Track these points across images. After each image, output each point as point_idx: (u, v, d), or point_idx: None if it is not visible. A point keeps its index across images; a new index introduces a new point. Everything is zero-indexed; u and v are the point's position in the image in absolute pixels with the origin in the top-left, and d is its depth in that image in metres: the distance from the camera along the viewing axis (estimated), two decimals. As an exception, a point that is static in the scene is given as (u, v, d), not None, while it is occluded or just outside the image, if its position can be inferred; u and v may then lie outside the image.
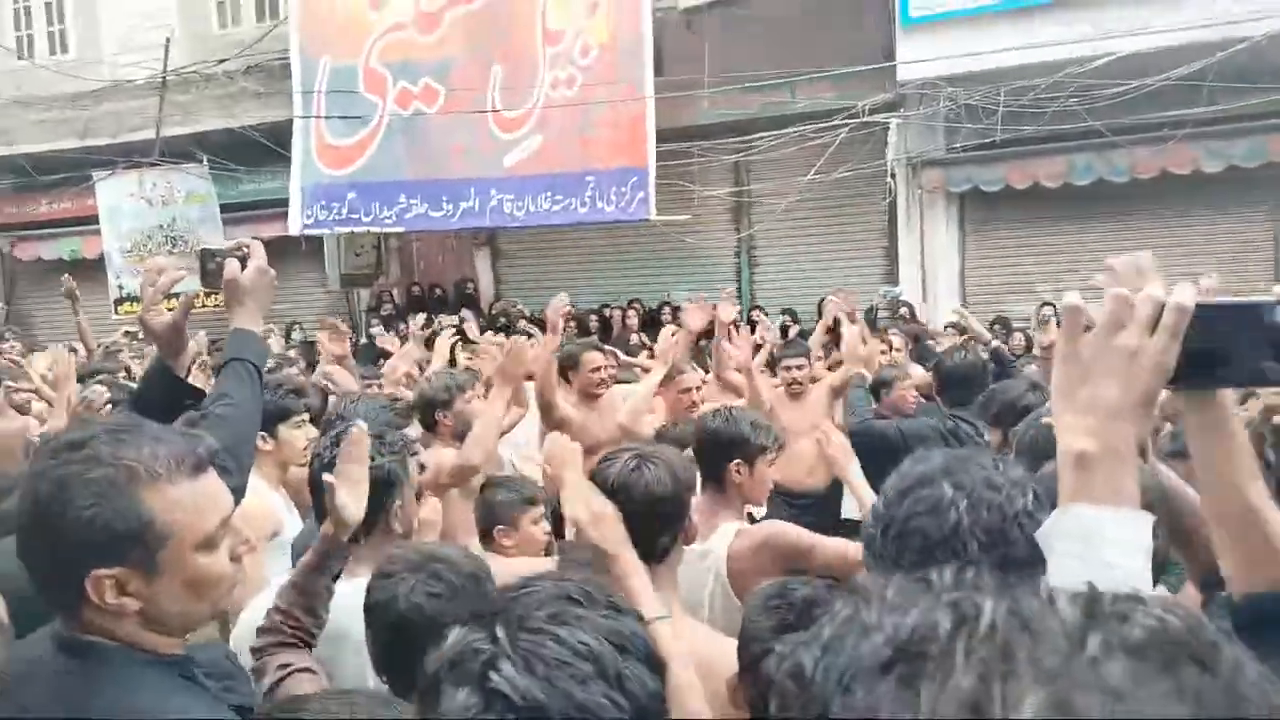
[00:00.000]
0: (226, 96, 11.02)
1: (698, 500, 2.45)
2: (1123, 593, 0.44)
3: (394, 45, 9.67)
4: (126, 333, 7.73)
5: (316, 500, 2.00)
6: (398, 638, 1.58)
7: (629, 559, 1.52)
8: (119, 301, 11.08)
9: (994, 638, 0.41)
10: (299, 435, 3.00)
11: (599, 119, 8.89)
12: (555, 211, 9.14)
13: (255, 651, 1.65)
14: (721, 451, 2.44)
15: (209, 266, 1.87)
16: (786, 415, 4.46)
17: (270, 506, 2.86)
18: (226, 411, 1.69)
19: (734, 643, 1.59)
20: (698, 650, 1.54)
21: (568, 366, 4.10)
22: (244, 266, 1.81)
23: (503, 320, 9.68)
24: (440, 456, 3.09)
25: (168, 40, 11.04)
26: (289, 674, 1.58)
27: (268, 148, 10.18)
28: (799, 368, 4.83)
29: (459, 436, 3.33)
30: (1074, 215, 9.05)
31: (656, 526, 1.70)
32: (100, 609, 1.15)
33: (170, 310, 1.85)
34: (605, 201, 8.90)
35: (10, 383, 4.37)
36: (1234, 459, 0.96)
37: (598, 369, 4.08)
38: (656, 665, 0.88)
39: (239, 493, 1.51)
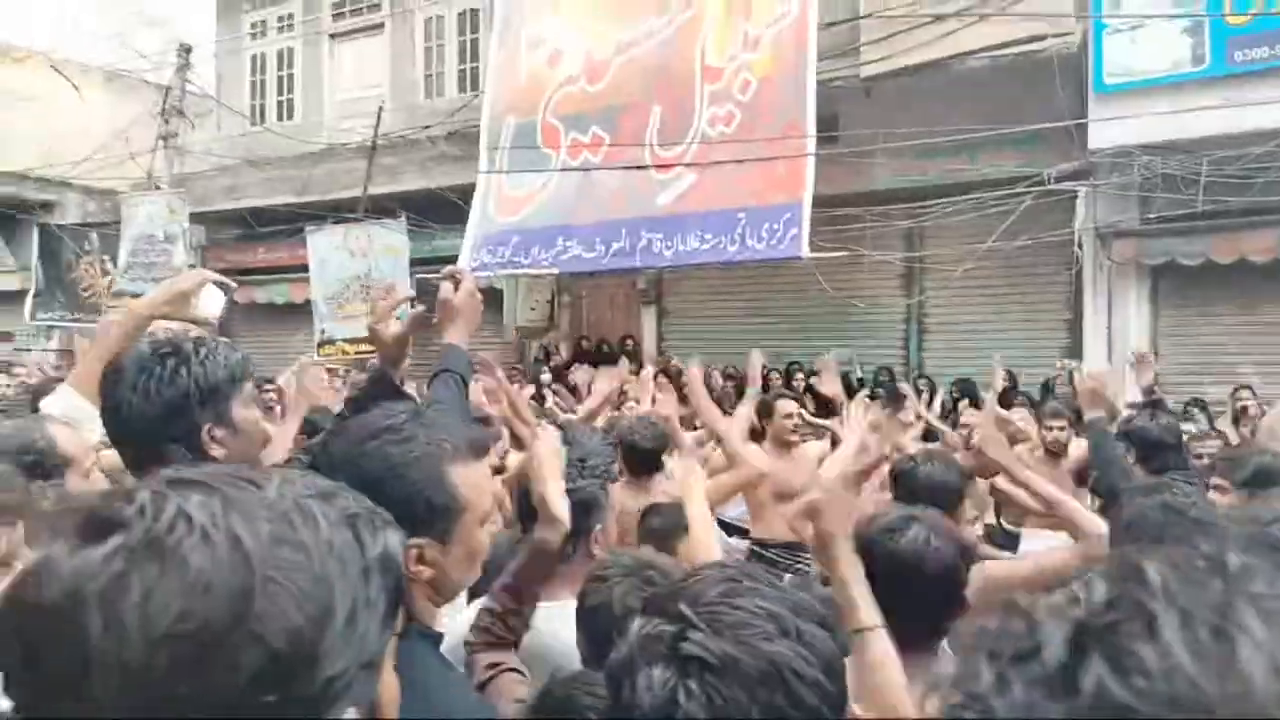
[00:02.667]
0: (428, 160, 11.95)
1: None
2: None
3: (568, 99, 9.97)
4: (327, 370, 8.41)
5: (520, 513, 2.13)
6: (610, 639, 1.64)
7: (850, 557, 1.43)
8: (320, 344, 12.07)
9: None
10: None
11: (755, 156, 8.59)
12: (704, 250, 8.84)
13: (467, 645, 1.73)
14: (945, 501, 2.43)
15: (426, 291, 2.09)
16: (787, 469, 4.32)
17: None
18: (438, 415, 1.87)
19: None
20: None
21: (762, 415, 4.17)
22: (456, 290, 2.02)
23: (663, 378, 9.82)
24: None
25: (380, 109, 12.13)
26: (499, 672, 1.63)
27: (460, 207, 10.93)
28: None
29: None
30: (1284, 294, 8.35)
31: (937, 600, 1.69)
32: None
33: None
34: (755, 239, 8.49)
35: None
36: None
37: (789, 416, 4.14)
38: (831, 627, 0.91)
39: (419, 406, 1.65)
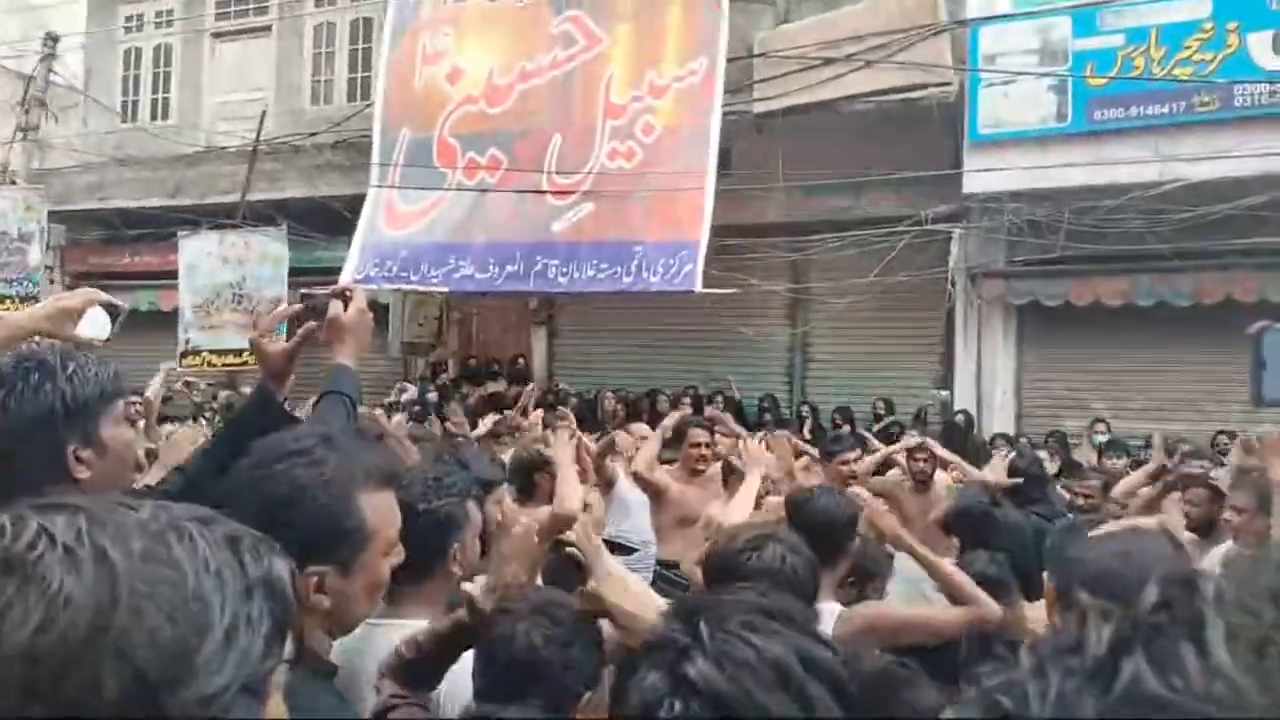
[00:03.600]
0: (312, 168, 11.59)
1: None
2: None
3: (467, 118, 9.87)
4: (186, 383, 8.02)
5: None
6: (509, 672, 1.61)
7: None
8: (183, 354, 11.46)
9: None
10: None
11: (655, 195, 8.78)
12: (600, 279, 8.95)
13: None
14: (839, 533, 2.53)
15: (307, 307, 1.98)
16: (693, 494, 4.44)
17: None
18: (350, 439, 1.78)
19: None
20: None
21: (673, 441, 4.23)
22: (346, 308, 1.92)
23: (550, 399, 9.79)
24: (537, 514, 3.16)
25: (263, 112, 11.70)
26: (403, 705, 1.57)
27: (346, 218, 10.62)
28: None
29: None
30: (1134, 336, 9.00)
31: None
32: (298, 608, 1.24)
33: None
34: (651, 272, 8.69)
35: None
36: None
37: (697, 444, 4.21)
38: (843, 694, 0.90)
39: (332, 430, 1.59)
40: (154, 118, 13.26)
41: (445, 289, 9.94)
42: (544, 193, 9.30)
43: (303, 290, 2.09)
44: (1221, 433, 7.27)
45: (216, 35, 13.14)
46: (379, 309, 10.57)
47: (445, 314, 11.95)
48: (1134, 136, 8.14)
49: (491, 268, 9.38)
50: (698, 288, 8.46)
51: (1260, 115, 7.76)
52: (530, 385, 8.17)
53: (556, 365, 12.07)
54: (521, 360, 11.81)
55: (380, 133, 10.23)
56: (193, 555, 0.64)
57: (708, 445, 4.32)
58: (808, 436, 8.16)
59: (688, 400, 9.89)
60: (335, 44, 12.34)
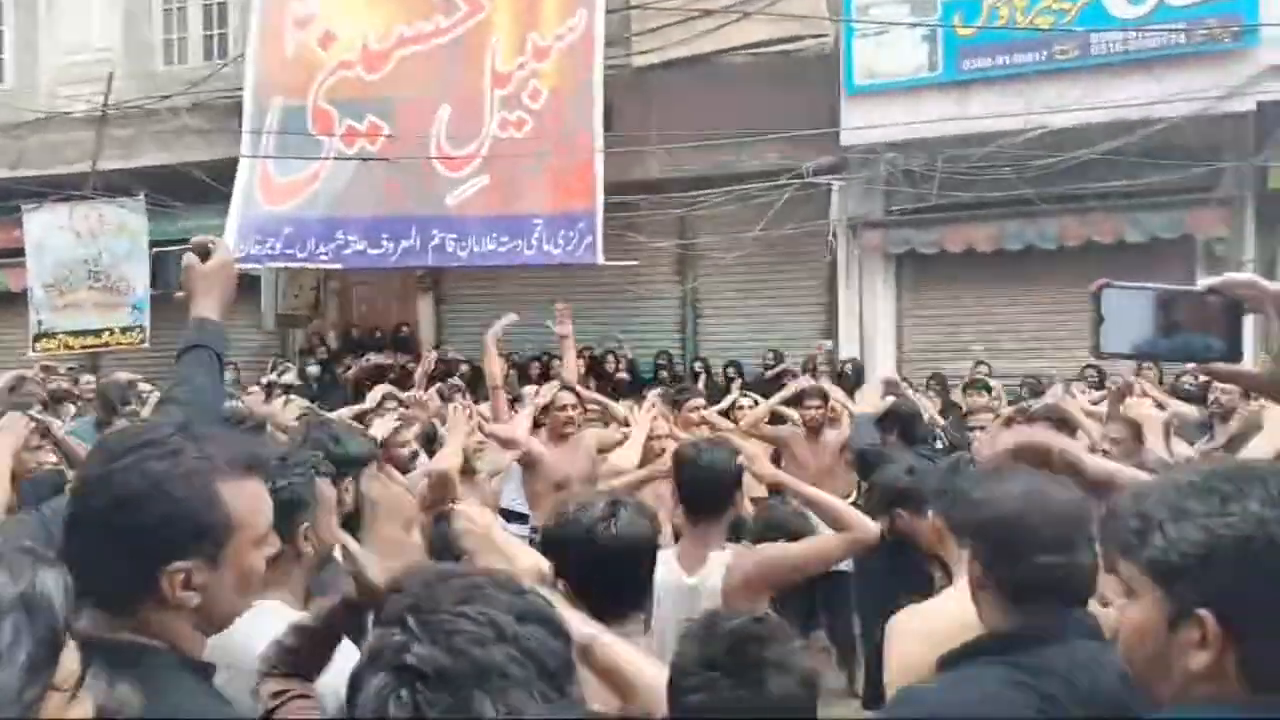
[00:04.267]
0: (169, 133, 10.85)
1: (685, 532, 2.53)
2: None
3: (342, 83, 9.59)
4: (44, 367, 7.45)
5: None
6: None
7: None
8: (37, 337, 10.68)
9: None
10: None
11: (547, 163, 8.86)
12: (500, 252, 9.00)
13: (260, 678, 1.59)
14: (727, 485, 2.55)
15: (162, 270, 1.89)
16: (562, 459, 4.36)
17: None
18: (187, 396, 1.70)
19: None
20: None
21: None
22: (205, 260, 1.82)
23: (441, 368, 9.57)
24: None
25: (110, 75, 10.87)
26: (287, 699, 1.51)
27: (209, 185, 10.02)
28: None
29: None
30: (1006, 279, 9.40)
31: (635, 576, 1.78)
32: (162, 605, 1.18)
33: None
34: (552, 244, 8.84)
35: None
36: None
37: (564, 408, 4.17)
38: (558, 630, 0.93)
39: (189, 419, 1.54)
40: (-14, 82, 12.17)
41: (337, 265, 9.72)
42: (431, 158, 9.15)
43: (155, 252, 1.99)
44: (1089, 366, 7.66)
45: (51, -11, 12.09)
46: (248, 279, 10.12)
47: (322, 283, 11.51)
48: (1001, 85, 8.42)
49: (385, 242, 9.26)
50: (600, 259, 8.71)
51: (1116, 63, 8.12)
52: (430, 354, 7.95)
53: (446, 332, 11.78)
54: (406, 329, 11.48)
55: (251, 100, 9.78)
56: None
57: (573, 407, 4.29)
58: (702, 390, 8.23)
59: (582, 361, 9.83)
60: (186, -1, 11.54)
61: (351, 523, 2.89)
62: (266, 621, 1.65)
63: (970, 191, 8.62)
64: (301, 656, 1.59)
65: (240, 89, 10.24)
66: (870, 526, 2.48)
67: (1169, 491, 1.03)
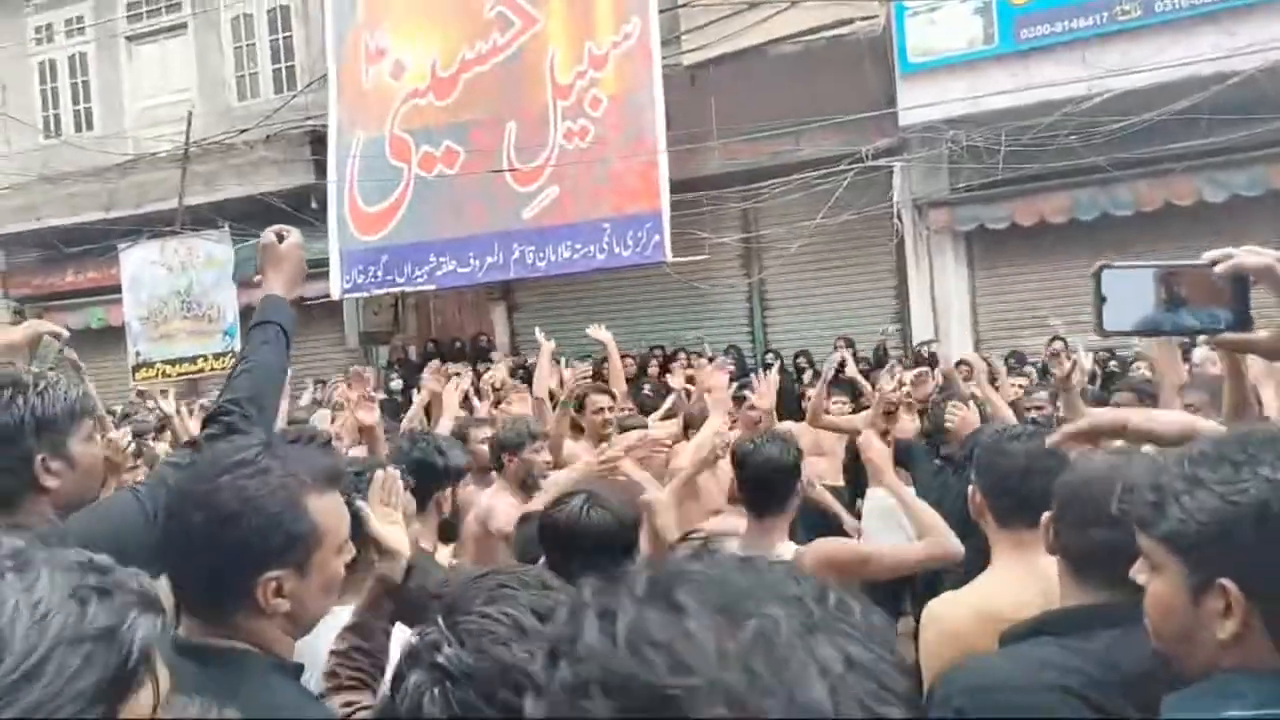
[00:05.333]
0: (247, 165, 11.34)
1: (748, 527, 2.57)
2: None
3: (414, 112, 10.01)
4: (139, 393, 7.89)
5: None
6: None
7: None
8: (136, 368, 11.29)
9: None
10: None
11: (613, 168, 9.08)
12: (575, 259, 9.34)
13: (320, 696, 1.67)
14: (782, 478, 2.58)
15: (241, 262, 2.03)
16: None
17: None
18: (252, 366, 1.84)
19: None
20: None
21: (576, 410, 4.20)
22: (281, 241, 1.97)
23: (521, 374, 9.78)
24: (495, 500, 3.19)
25: (189, 113, 11.41)
26: (354, 711, 1.60)
27: (287, 212, 10.45)
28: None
29: (521, 483, 3.43)
30: (1081, 249, 9.11)
31: (607, 561, 1.87)
32: (256, 612, 1.28)
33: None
34: (622, 246, 9.09)
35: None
36: None
37: (599, 410, 4.20)
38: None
39: (268, 439, 1.65)
40: (78, 129, 12.88)
41: (433, 286, 10.21)
42: (502, 172, 9.47)
43: (240, 247, 2.14)
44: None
45: (131, 38, 12.75)
46: (331, 302, 10.52)
47: (401, 299, 11.85)
48: (1061, 51, 8.19)
49: (472, 260, 9.70)
50: (669, 257, 8.93)
51: (1181, 18, 7.83)
52: (498, 366, 8.22)
53: (520, 340, 12.01)
54: (484, 338, 11.75)
55: (336, 137, 10.26)
56: (18, 591, 0.66)
57: (610, 409, 4.27)
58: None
59: (655, 361, 9.93)
60: (255, 35, 12.02)
61: (450, 530, 3.04)
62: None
63: (1037, 163, 8.41)
64: (359, 656, 1.68)
65: (311, 118, 10.67)
66: (954, 546, 2.40)
67: (1183, 463, 1.02)
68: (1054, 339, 8.70)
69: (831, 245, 9.93)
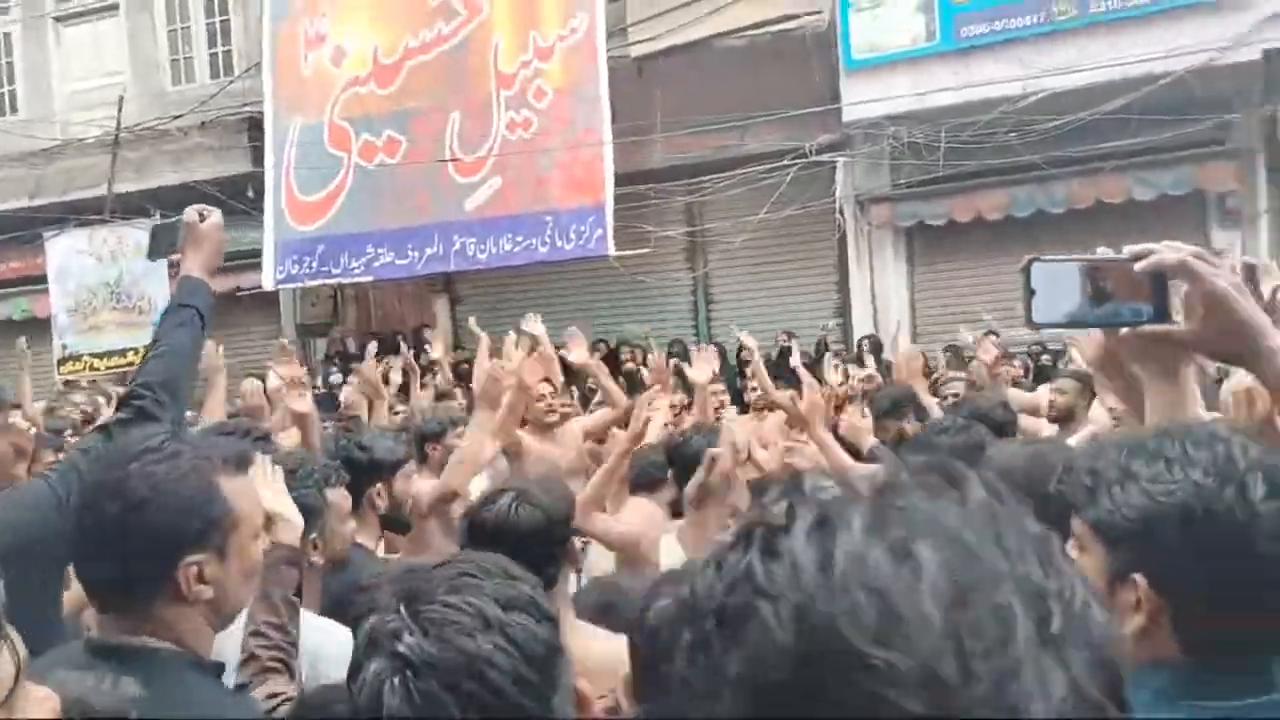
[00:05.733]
0: (182, 152, 11.03)
1: (688, 517, 2.57)
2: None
3: (355, 100, 9.84)
4: (66, 382, 7.63)
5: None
6: None
7: None
8: (62, 361, 10.91)
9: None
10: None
11: (556, 160, 9.05)
12: (517, 252, 9.26)
13: (239, 688, 1.63)
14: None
15: (158, 239, 2.02)
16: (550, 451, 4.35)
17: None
18: (165, 351, 1.82)
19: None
20: (596, 652, 1.60)
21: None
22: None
23: (465, 368, 9.67)
24: (420, 486, 3.11)
25: (121, 98, 11.05)
26: (280, 703, 1.57)
27: (222, 201, 10.17)
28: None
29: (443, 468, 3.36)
30: (1016, 246, 9.29)
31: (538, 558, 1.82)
32: (178, 600, 1.25)
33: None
34: (564, 240, 9.04)
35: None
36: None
37: (541, 397, 4.13)
38: (545, 617, 0.97)
39: (176, 425, 1.70)
40: (1, 113, 12.40)
41: (369, 278, 10.03)
42: (445, 162, 9.36)
43: (154, 223, 2.10)
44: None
45: (59, 19, 12.30)
46: (267, 292, 10.30)
47: (340, 291, 11.64)
48: (1000, 50, 8.34)
49: (410, 251, 9.56)
50: (611, 251, 8.90)
51: (1114, 20, 8.03)
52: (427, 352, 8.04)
53: (463, 332, 11.87)
54: (427, 330, 11.59)
55: (272, 124, 10.05)
56: None
57: (552, 395, 4.21)
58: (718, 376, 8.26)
59: (599, 354, 9.88)
60: (190, 18, 11.69)
61: (395, 524, 2.96)
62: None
63: (976, 160, 8.56)
64: (273, 632, 1.66)
65: (248, 104, 10.41)
66: None
67: (1122, 451, 1.04)
68: (987, 333, 8.88)
69: (775, 240, 10.00)
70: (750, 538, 0.45)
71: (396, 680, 0.90)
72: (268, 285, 9.94)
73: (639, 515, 2.87)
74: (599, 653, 1.64)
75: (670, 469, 2.66)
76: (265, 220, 9.89)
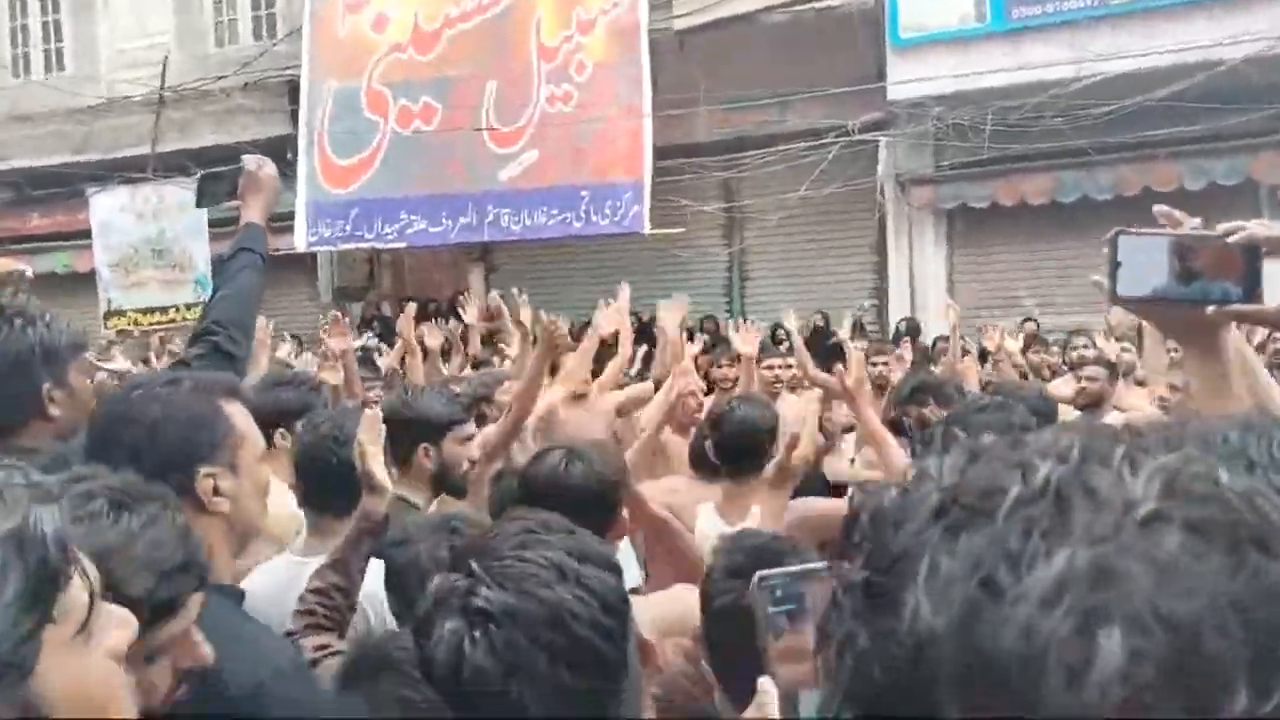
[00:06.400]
0: (223, 113, 11.11)
1: (725, 489, 2.57)
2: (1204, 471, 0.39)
3: (395, 65, 9.86)
4: (115, 334, 7.74)
5: (304, 489, 2.12)
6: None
7: None
8: (108, 315, 11.08)
9: (1047, 495, 0.39)
10: None
11: (595, 135, 9.04)
12: (550, 225, 9.29)
13: (289, 635, 1.67)
14: (762, 440, 2.59)
15: (207, 188, 2.09)
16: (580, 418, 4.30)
17: (293, 507, 2.87)
18: (233, 292, 1.92)
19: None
20: (665, 608, 1.62)
21: (553, 367, 4.13)
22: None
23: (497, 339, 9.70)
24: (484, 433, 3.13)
25: (165, 57, 11.14)
26: (327, 655, 1.59)
27: (264, 163, 10.26)
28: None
29: None
30: (1060, 231, 9.19)
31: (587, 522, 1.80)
32: (197, 510, 1.28)
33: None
34: (600, 215, 9.06)
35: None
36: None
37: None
38: (615, 568, 0.99)
39: (241, 364, 1.81)
40: (48, 70, 12.53)
41: (402, 244, 10.07)
42: (481, 130, 9.34)
43: (202, 174, 2.19)
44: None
45: (106, -22, 12.38)
46: (303, 256, 10.38)
47: (376, 256, 11.71)
48: (1051, 33, 8.19)
49: (444, 220, 9.58)
50: (646, 229, 8.91)
51: (1172, 6, 7.85)
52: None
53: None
54: (462, 298, 11.65)
55: (308, 86, 10.09)
56: None
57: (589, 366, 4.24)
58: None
59: (634, 327, 9.88)
60: (235, -20, 11.73)
61: (449, 486, 2.97)
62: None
63: (1022, 143, 8.43)
64: (338, 595, 1.68)
65: (290, 68, 10.44)
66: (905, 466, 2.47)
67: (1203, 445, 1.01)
68: (1025, 320, 8.79)
69: (813, 218, 9.92)
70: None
71: (478, 634, 0.90)
72: (300, 246, 10.00)
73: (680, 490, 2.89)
74: (672, 611, 1.66)
75: (712, 436, 2.66)
76: (298, 182, 9.91)
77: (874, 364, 5.37)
